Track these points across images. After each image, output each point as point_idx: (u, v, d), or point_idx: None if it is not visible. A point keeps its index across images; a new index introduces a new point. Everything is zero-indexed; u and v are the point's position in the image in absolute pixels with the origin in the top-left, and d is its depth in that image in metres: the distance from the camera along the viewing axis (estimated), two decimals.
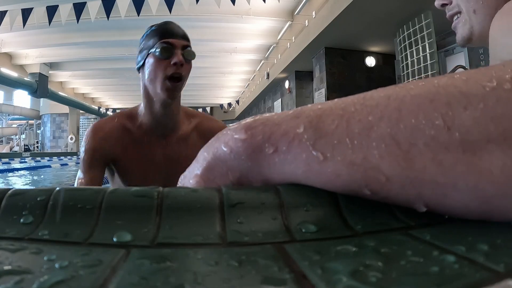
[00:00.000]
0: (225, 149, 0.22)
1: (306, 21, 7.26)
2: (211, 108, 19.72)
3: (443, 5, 0.55)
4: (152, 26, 0.95)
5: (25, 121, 20.25)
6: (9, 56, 11.37)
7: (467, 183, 0.17)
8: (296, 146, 0.20)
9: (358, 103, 0.20)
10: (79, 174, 0.97)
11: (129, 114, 1.01)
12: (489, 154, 0.17)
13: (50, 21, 6.82)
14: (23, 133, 19.74)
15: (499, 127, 0.17)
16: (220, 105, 17.25)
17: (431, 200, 0.18)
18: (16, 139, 19.47)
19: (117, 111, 1.14)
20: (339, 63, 6.97)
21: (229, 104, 17.54)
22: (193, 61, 0.97)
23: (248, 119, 0.23)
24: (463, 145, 0.17)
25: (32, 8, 6.83)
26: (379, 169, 0.18)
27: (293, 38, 8.10)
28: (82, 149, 0.96)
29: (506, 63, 0.19)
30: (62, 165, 7.07)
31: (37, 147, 18.53)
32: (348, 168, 0.19)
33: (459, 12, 0.53)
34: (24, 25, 6.93)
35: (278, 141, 0.20)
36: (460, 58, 5.40)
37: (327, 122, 0.20)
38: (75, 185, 1.11)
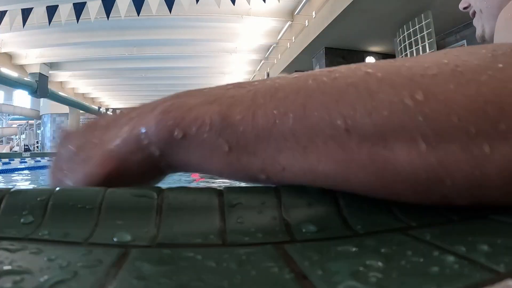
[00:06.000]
0: (141, 130, 0.22)
1: (306, 21, 7.26)
2: None
3: (465, 8, 0.57)
4: None
5: (25, 121, 20.24)
6: (9, 56, 11.37)
7: (356, 176, 0.18)
8: (202, 133, 0.20)
9: (268, 94, 0.20)
10: None
11: None
12: (388, 150, 0.18)
13: (50, 21, 6.82)
14: (23, 133, 19.73)
15: (397, 131, 0.18)
16: None
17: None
18: (16, 139, 19.47)
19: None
20: (339, 63, 6.96)
21: None
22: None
23: (167, 102, 0.22)
24: (357, 145, 0.18)
25: (32, 8, 6.82)
26: (276, 160, 0.20)
27: (293, 38, 8.10)
28: None
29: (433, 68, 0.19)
30: None
31: (37, 147, 18.53)
32: (249, 157, 0.20)
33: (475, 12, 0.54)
34: (24, 25, 6.93)
35: (187, 126, 0.21)
36: None
37: (235, 112, 0.20)
38: None
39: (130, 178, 0.23)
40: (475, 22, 0.55)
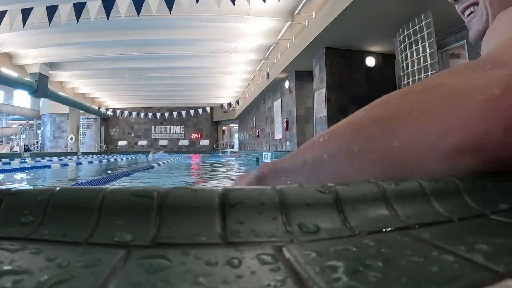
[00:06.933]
0: (259, 168, 0.44)
1: (306, 21, 7.26)
2: (211, 108, 19.70)
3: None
4: None
5: (25, 121, 20.24)
6: (9, 56, 11.36)
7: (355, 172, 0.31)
8: (276, 169, 0.41)
9: (315, 140, 0.36)
10: None
11: None
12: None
13: (50, 21, 6.82)
14: (23, 133, 19.74)
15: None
16: (220, 105, 17.25)
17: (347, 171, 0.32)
18: (16, 139, 19.47)
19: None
20: (339, 63, 6.96)
21: (229, 104, 17.53)
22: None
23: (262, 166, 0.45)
24: (331, 163, 0.32)
25: (32, 8, 6.82)
26: (300, 180, 0.35)
27: (293, 38, 8.10)
28: None
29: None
30: (62, 165, 7.07)
31: (37, 147, 18.52)
32: (291, 179, 0.38)
33: (475, 4, 0.52)
34: (24, 25, 6.93)
35: (273, 165, 0.42)
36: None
37: (285, 159, 0.39)
38: None
39: None
40: (475, 18, 0.52)
